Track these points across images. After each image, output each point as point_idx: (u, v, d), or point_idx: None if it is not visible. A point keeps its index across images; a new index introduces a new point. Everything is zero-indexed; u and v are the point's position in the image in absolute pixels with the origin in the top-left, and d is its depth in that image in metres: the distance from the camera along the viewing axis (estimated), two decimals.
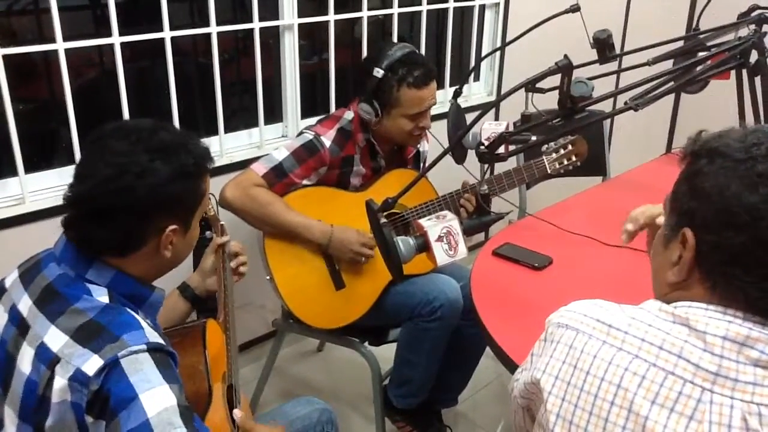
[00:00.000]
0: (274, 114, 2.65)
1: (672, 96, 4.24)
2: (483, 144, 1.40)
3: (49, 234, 1.22)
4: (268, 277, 2.04)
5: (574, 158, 2.11)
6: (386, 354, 2.23)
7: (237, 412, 1.24)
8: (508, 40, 3.15)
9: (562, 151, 2.10)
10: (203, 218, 1.35)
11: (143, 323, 1.10)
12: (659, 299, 0.96)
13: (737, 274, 0.84)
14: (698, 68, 1.49)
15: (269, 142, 2.57)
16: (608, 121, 3.42)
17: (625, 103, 1.28)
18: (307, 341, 2.89)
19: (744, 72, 1.61)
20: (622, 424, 0.85)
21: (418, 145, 2.30)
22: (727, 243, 0.84)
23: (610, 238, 1.95)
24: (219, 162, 2.36)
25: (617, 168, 2.78)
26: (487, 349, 2.15)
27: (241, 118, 2.60)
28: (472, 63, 3.25)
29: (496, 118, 3.14)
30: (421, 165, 2.34)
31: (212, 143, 2.40)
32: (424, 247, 1.37)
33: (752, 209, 0.81)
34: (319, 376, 2.75)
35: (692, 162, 0.90)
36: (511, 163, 2.20)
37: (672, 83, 1.38)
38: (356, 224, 2.05)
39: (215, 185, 1.40)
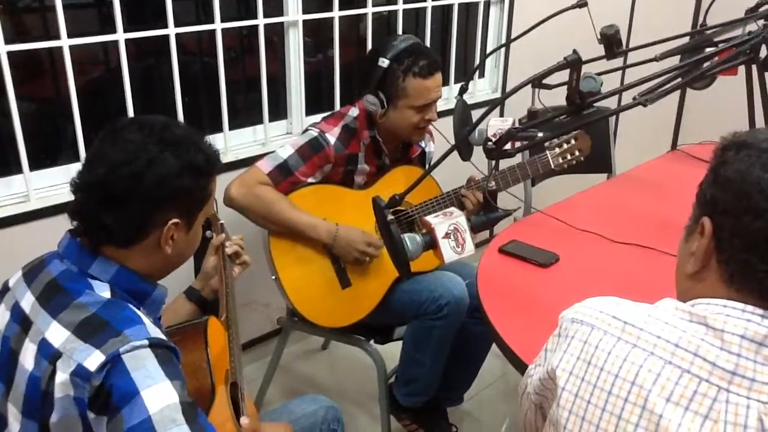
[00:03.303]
0: (279, 111, 2.64)
1: (677, 92, 4.22)
2: (490, 140, 1.39)
3: (54, 231, 1.22)
4: (273, 277, 2.03)
5: (577, 153, 2.10)
6: (392, 352, 2.22)
7: (244, 420, 1.24)
8: (513, 36, 3.15)
9: (565, 146, 2.09)
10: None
11: (145, 319, 1.10)
12: (680, 295, 0.96)
13: (754, 262, 0.84)
14: (706, 64, 1.48)
15: (274, 139, 2.56)
16: (613, 117, 3.41)
17: (634, 99, 1.27)
18: (312, 339, 2.88)
19: (754, 67, 1.60)
20: (636, 422, 0.85)
21: (424, 146, 2.29)
22: (745, 229, 0.84)
23: (616, 235, 1.95)
24: (223, 159, 2.34)
25: (622, 165, 2.77)
26: (493, 347, 2.16)
27: (245, 115, 2.59)
28: (477, 60, 3.24)
29: (501, 115, 3.14)
30: (427, 165, 2.32)
31: (217, 140, 2.39)
32: (431, 244, 1.36)
33: None
34: (325, 374, 2.75)
35: (721, 155, 0.91)
36: (516, 159, 2.19)
37: (680, 79, 1.36)
38: (362, 222, 2.04)
39: (220, 183, 1.39)
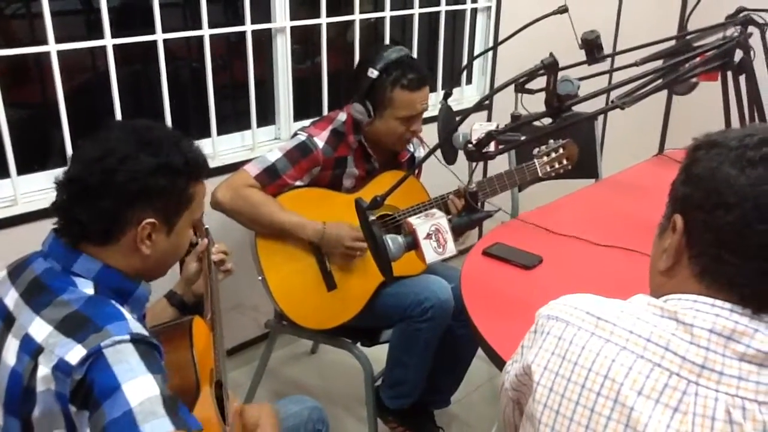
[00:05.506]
0: (267, 116, 2.66)
1: (664, 99, 4.27)
2: (471, 142, 1.41)
3: (41, 235, 1.23)
4: (260, 278, 2.05)
5: (565, 162, 2.12)
6: (379, 355, 2.24)
7: (235, 403, 1.25)
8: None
9: (553, 155, 2.11)
10: None
11: (128, 315, 1.11)
12: (653, 291, 0.97)
13: (724, 257, 0.86)
14: (683, 67, 1.51)
15: (262, 145, 2.58)
16: (600, 124, 3.44)
17: (612, 102, 1.29)
18: (301, 343, 2.89)
19: (729, 72, 1.63)
20: (608, 414, 0.86)
21: (414, 151, 2.31)
22: (715, 223, 0.86)
23: (599, 238, 1.97)
24: (211, 164, 2.35)
25: (609, 171, 2.79)
26: (480, 350, 2.17)
27: (233, 121, 2.61)
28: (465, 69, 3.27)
29: (489, 120, 3.16)
30: (416, 170, 2.34)
31: (205, 145, 2.39)
32: (413, 245, 1.38)
33: (739, 190, 0.84)
34: (312, 378, 2.75)
35: (692, 154, 0.93)
36: (504, 167, 2.21)
37: (658, 82, 1.39)
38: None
39: (207, 187, 1.40)
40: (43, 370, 1.02)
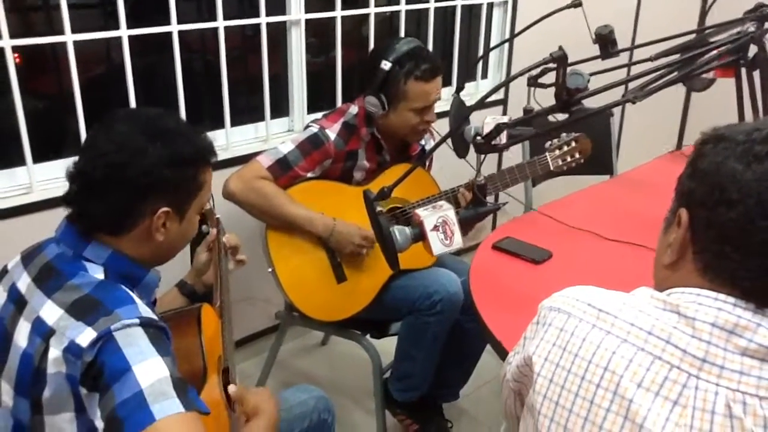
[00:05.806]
0: (281, 109, 2.67)
1: (682, 96, 4.23)
2: (479, 135, 1.41)
3: (56, 223, 1.25)
4: (270, 269, 2.06)
5: (577, 155, 2.11)
6: (388, 347, 2.24)
7: (232, 387, 1.26)
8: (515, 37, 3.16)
9: (565, 148, 2.10)
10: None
11: (137, 299, 1.12)
12: (657, 285, 0.97)
13: (727, 252, 0.85)
14: (697, 63, 1.49)
15: (275, 137, 2.59)
16: (616, 120, 3.42)
17: (623, 96, 1.29)
18: (311, 335, 2.90)
19: (743, 67, 1.61)
20: (607, 407, 0.86)
21: (424, 144, 2.31)
22: (718, 219, 0.85)
23: (610, 233, 1.96)
24: (225, 155, 2.38)
25: (626, 168, 2.77)
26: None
27: (247, 113, 2.62)
28: (481, 63, 3.25)
29: (504, 114, 3.15)
30: (426, 163, 2.34)
31: (218, 137, 2.43)
32: (420, 236, 1.38)
33: (743, 186, 0.83)
34: (322, 369, 2.77)
35: (699, 148, 0.92)
36: (517, 160, 2.21)
37: (670, 77, 1.38)
38: (357, 217, 2.06)
39: (220, 178, 1.40)
40: (54, 352, 1.04)
